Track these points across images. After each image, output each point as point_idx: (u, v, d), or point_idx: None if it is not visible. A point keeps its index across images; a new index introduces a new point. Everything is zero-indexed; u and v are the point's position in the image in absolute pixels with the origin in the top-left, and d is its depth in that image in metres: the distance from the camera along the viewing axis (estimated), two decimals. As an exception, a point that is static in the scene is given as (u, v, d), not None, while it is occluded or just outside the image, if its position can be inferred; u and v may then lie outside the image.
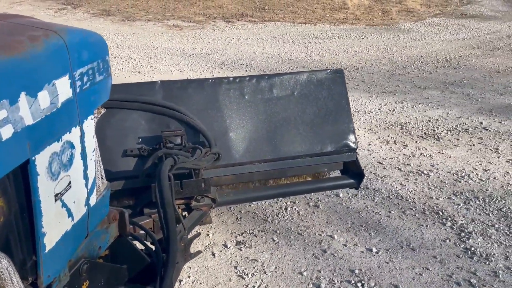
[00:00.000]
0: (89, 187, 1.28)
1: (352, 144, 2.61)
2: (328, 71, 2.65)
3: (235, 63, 6.74)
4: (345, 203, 3.06)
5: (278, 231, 2.75)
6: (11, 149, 0.92)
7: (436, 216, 2.94)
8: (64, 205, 1.15)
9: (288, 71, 5.84)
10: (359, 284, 2.31)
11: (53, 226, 1.12)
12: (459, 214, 2.96)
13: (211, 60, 6.87)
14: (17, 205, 1.04)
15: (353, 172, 2.66)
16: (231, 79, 2.47)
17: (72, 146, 1.16)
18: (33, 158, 1.00)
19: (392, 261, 2.50)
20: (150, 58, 6.97)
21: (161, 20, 9.97)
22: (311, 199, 3.10)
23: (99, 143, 1.51)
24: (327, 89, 2.61)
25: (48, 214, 1.08)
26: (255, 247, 2.60)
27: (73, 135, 1.16)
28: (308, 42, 8.16)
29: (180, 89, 2.36)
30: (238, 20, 10.16)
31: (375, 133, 4.29)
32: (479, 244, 2.65)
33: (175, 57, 7.02)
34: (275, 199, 3.06)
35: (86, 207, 1.28)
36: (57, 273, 1.18)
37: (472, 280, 2.35)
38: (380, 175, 3.46)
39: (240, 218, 2.87)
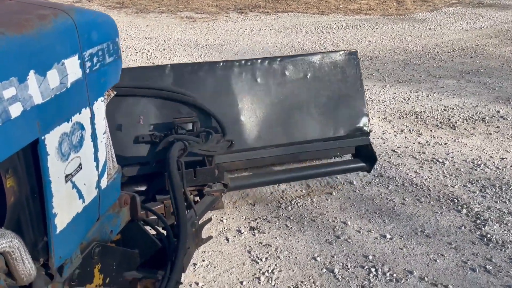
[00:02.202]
0: (99, 169, 1.29)
1: (365, 128, 2.58)
2: (342, 52, 2.60)
3: (248, 54, 6.71)
4: (359, 191, 3.03)
5: (291, 217, 2.74)
6: (20, 128, 0.92)
7: (451, 203, 2.89)
8: (74, 186, 1.16)
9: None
10: (372, 270, 2.29)
11: (64, 208, 1.12)
12: (475, 201, 2.91)
13: (224, 51, 6.86)
14: (28, 185, 1.04)
15: (366, 156, 2.63)
16: (242, 61, 2.42)
17: (82, 127, 1.16)
18: (43, 137, 1.00)
19: (406, 247, 2.47)
20: (164, 49, 6.98)
21: (174, 12, 9.98)
22: (324, 186, 3.08)
23: (111, 130, 1.51)
24: (340, 72, 2.56)
25: (59, 195, 1.09)
26: (268, 233, 2.59)
27: (83, 116, 1.16)
28: (322, 33, 8.06)
29: (191, 73, 2.33)
30: (251, 11, 10.10)
31: (389, 122, 4.23)
32: (495, 231, 2.59)
33: (189, 48, 7.02)
34: (290, 185, 3.05)
35: (97, 189, 1.29)
36: (69, 255, 1.19)
37: (487, 267, 2.31)
38: (394, 163, 3.42)
39: (254, 205, 2.87)
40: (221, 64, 2.38)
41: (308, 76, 2.51)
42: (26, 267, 0.99)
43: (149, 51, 6.89)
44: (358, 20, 9.16)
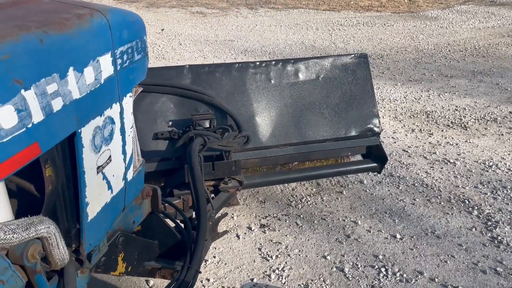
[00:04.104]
0: (126, 162, 1.33)
1: (376, 129, 2.64)
2: (352, 55, 2.68)
3: (258, 50, 6.74)
4: (369, 190, 3.06)
5: (301, 216, 2.77)
6: (61, 121, 0.97)
7: (462, 204, 2.91)
8: (104, 177, 1.21)
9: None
10: (382, 269, 2.32)
11: (95, 197, 1.17)
12: (486, 203, 2.93)
13: (235, 47, 6.89)
14: (64, 175, 1.09)
15: (376, 156, 2.70)
16: (257, 63, 2.51)
17: (112, 121, 1.21)
18: (79, 130, 1.05)
19: (417, 247, 2.50)
20: (174, 44, 7.03)
21: (185, 7, 10.02)
22: (335, 185, 3.11)
23: None
24: (351, 74, 2.65)
25: (91, 185, 1.14)
26: (279, 231, 2.63)
27: (113, 111, 1.21)
28: (332, 29, 8.07)
29: (208, 74, 2.41)
30: (261, 7, 10.12)
31: (400, 121, 4.25)
32: (506, 234, 2.61)
33: (199, 44, 7.06)
34: (300, 183, 3.09)
35: (123, 181, 1.34)
36: (98, 242, 1.24)
37: (498, 269, 2.33)
38: (405, 163, 3.44)
39: (264, 202, 2.91)
40: (237, 65, 2.46)
41: (320, 78, 2.60)
42: (61, 252, 1.04)
43: (159, 46, 6.94)
44: (369, 17, 9.15)
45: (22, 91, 0.86)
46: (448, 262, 2.39)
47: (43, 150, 0.92)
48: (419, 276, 2.28)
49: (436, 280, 2.26)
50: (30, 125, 0.87)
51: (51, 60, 0.93)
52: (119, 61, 1.21)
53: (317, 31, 7.92)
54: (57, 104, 0.94)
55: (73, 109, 1.00)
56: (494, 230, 2.64)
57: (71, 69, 0.99)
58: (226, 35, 7.59)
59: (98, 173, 1.17)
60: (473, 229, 2.66)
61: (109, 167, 1.23)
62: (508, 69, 5.88)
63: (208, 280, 2.25)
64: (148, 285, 2.21)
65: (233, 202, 2.30)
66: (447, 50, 6.79)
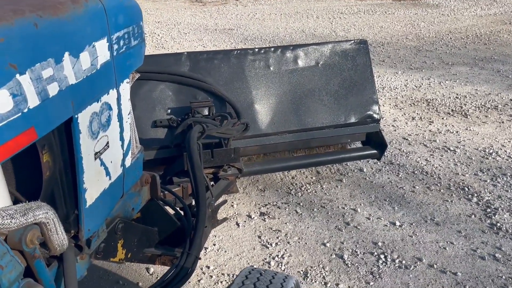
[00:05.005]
0: (124, 148, 1.33)
1: (375, 115, 2.64)
2: (352, 41, 2.67)
3: (258, 39, 6.71)
4: (369, 178, 3.06)
5: (301, 204, 2.78)
6: (57, 106, 0.96)
7: (461, 191, 2.91)
8: (102, 163, 1.21)
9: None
10: (382, 256, 2.33)
11: (93, 183, 1.17)
12: (486, 190, 2.93)
13: (234, 36, 6.85)
14: (61, 161, 1.09)
15: (376, 143, 2.70)
16: (256, 50, 2.50)
17: (109, 107, 1.21)
18: (76, 116, 1.04)
19: (416, 234, 2.51)
20: (174, 33, 6.99)
21: (184, -5, 9.94)
22: (334, 173, 3.11)
23: None
24: (351, 60, 2.64)
25: (89, 171, 1.14)
26: (278, 218, 2.64)
27: (110, 97, 1.20)
28: (333, 17, 8.01)
29: (207, 61, 2.40)
30: (261, -5, 10.03)
31: (400, 109, 4.24)
32: (505, 220, 2.62)
33: (198, 33, 7.03)
34: (300, 171, 3.10)
35: (122, 167, 1.34)
36: (96, 228, 1.24)
37: (497, 255, 2.34)
38: (405, 150, 3.44)
39: (264, 190, 2.91)
40: (236, 52, 2.45)
41: (319, 65, 2.58)
42: (60, 237, 1.04)
43: (159, 35, 6.91)
44: (370, 5, 9.08)
45: (17, 75, 0.85)
46: (447, 248, 2.40)
47: (40, 135, 0.92)
48: (418, 263, 2.29)
49: (435, 266, 2.27)
50: (26, 110, 0.87)
51: (46, 45, 0.92)
52: (115, 46, 1.20)
53: (317, 19, 7.87)
54: (53, 89, 0.94)
55: (69, 94, 1.00)
56: (493, 217, 2.65)
57: (66, 54, 0.98)
58: (225, 24, 7.55)
59: (95, 159, 1.17)
60: (472, 216, 2.67)
61: (107, 153, 1.23)
62: (510, 56, 5.84)
63: (208, 267, 2.26)
64: (148, 272, 2.23)
65: (232, 189, 2.30)
66: (449, 37, 6.75)
